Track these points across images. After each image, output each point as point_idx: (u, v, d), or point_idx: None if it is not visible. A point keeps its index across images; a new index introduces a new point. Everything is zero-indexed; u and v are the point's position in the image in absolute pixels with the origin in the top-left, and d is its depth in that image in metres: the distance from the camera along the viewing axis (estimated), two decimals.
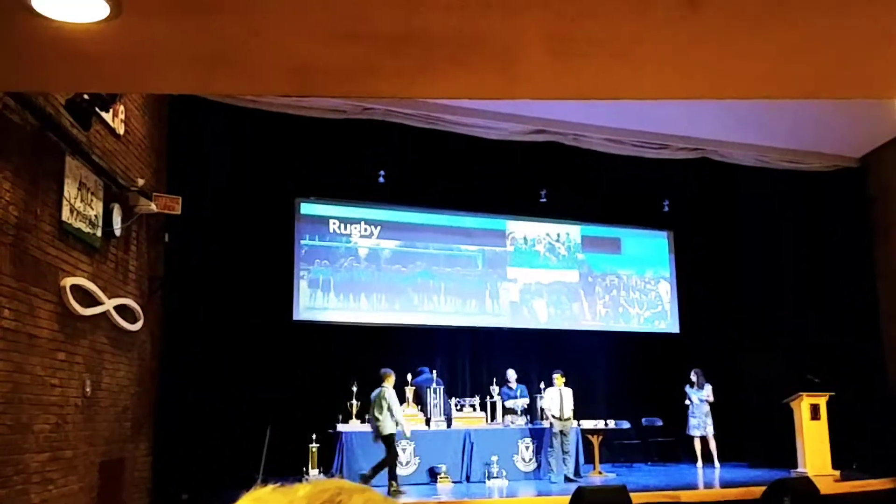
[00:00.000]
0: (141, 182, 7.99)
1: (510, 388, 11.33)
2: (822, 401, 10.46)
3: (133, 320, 7.89)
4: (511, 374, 11.42)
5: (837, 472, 10.19)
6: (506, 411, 11.12)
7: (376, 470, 8.99)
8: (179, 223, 8.91)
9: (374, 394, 9.36)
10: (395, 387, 9.95)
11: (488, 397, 11.04)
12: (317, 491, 0.83)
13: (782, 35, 2.88)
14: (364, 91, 3.47)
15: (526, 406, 11.20)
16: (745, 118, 10.95)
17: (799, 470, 10.23)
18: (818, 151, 12.43)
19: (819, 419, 10.40)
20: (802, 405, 10.44)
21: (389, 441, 9.10)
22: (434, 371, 10.89)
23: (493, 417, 10.89)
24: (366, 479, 8.52)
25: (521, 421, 10.97)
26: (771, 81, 3.27)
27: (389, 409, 9.10)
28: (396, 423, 9.14)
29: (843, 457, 10.58)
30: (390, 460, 9.09)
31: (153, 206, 8.02)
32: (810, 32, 2.89)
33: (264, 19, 2.56)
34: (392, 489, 8.91)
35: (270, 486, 0.86)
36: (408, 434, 9.55)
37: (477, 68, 2.96)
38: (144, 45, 2.78)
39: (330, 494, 0.82)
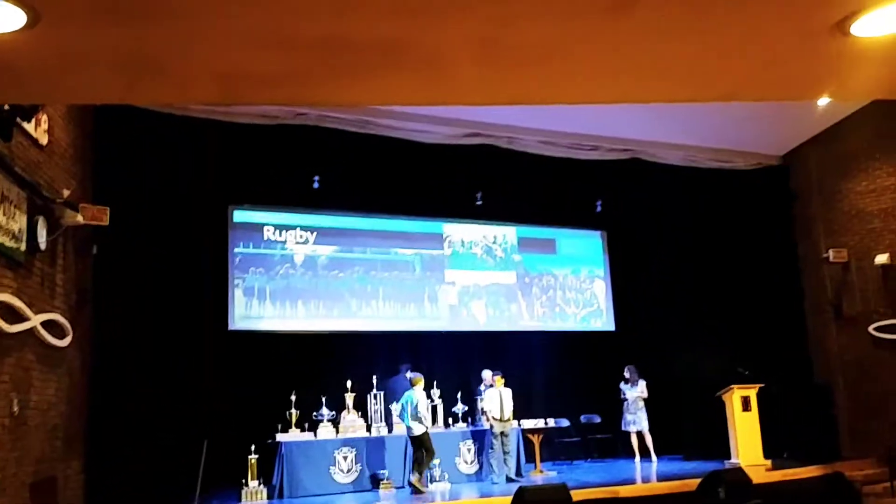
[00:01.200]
0: (66, 193, 7.75)
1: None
2: (752, 393, 10.78)
3: (61, 336, 7.66)
4: (487, 375, 11.46)
5: (769, 462, 10.51)
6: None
7: (419, 469, 9.54)
8: (108, 234, 8.69)
9: (404, 398, 9.87)
10: (332, 393, 9.99)
11: (429, 401, 11.03)
12: None
13: (705, 39, 2.96)
14: (294, 98, 3.45)
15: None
16: (674, 119, 11.22)
17: (732, 460, 10.51)
18: (743, 150, 12.82)
19: (750, 410, 10.71)
20: (734, 398, 10.74)
21: (418, 441, 9.58)
22: (375, 376, 10.84)
23: (434, 421, 10.89)
24: (418, 477, 9.42)
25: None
26: (695, 84, 3.36)
27: (416, 410, 9.67)
28: (421, 422, 9.66)
29: (774, 446, 10.93)
30: (424, 458, 9.58)
31: (80, 218, 7.79)
32: (733, 36, 2.98)
33: (188, 27, 2.52)
34: (415, 489, 9.36)
35: None
36: (416, 431, 9.70)
37: (407, 75, 2.97)
38: (65, 54, 2.71)
39: None
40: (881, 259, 11.59)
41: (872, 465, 11.00)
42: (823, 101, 10.76)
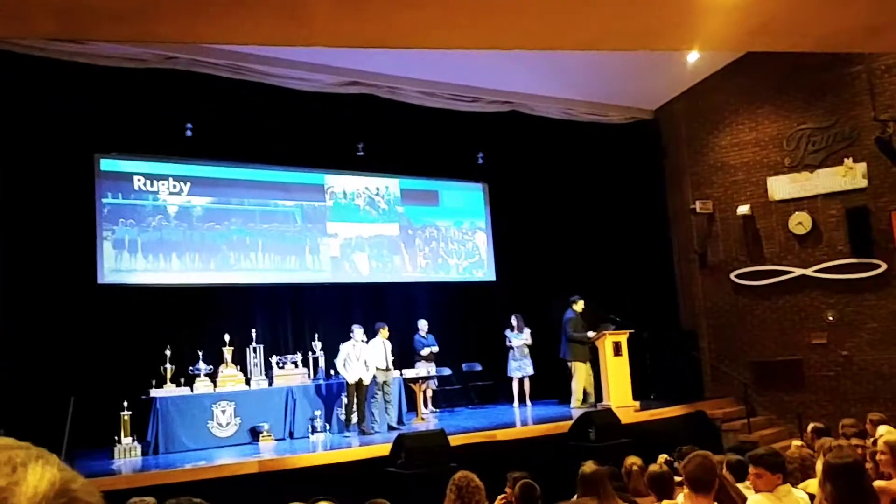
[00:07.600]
0: None
1: (423, 337, 11.95)
2: (623, 338, 11.23)
3: None
4: (423, 324, 12.01)
5: (637, 403, 11.05)
6: (419, 358, 11.77)
7: (360, 411, 10.12)
8: None
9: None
10: (209, 347, 9.78)
11: (310, 353, 11.00)
12: None
13: None
14: (142, 34, 3.28)
15: (436, 352, 11.95)
16: (552, 72, 11.35)
17: (603, 403, 10.99)
18: (618, 104, 13.15)
19: (621, 355, 11.18)
20: (606, 343, 11.17)
21: (352, 388, 10.11)
22: (254, 330, 10.66)
23: (315, 373, 10.88)
24: (359, 420, 10.07)
25: (432, 368, 11.77)
26: (553, 30, 3.40)
27: (345, 361, 10.12)
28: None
29: (644, 388, 11.51)
30: (357, 403, 10.14)
31: None
32: None
33: None
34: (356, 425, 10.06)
35: None
36: (351, 381, 10.11)
37: (261, 13, 2.87)
38: None
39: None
40: (742, 210, 12.23)
41: (731, 403, 11.77)
42: (693, 57, 11.18)
